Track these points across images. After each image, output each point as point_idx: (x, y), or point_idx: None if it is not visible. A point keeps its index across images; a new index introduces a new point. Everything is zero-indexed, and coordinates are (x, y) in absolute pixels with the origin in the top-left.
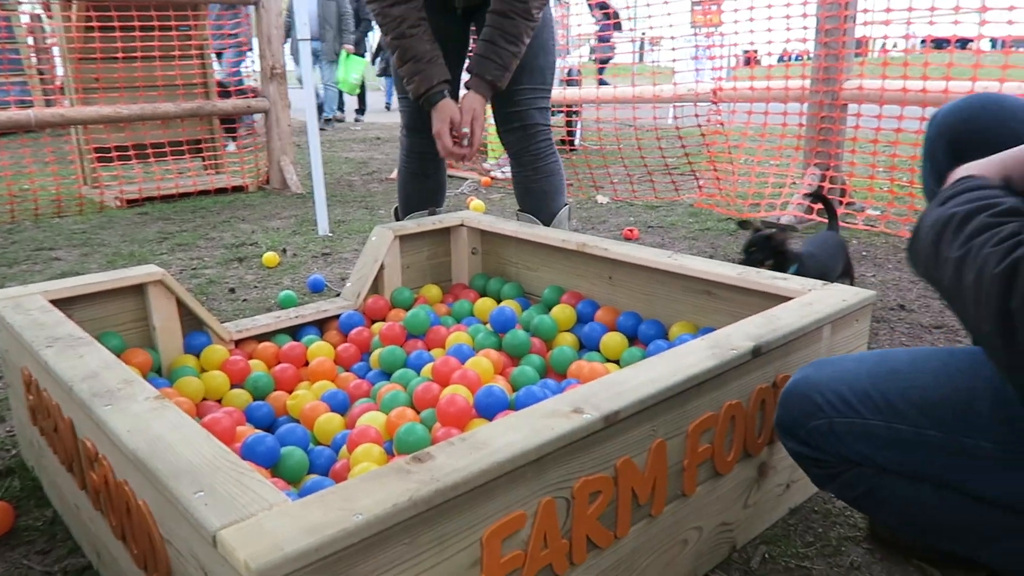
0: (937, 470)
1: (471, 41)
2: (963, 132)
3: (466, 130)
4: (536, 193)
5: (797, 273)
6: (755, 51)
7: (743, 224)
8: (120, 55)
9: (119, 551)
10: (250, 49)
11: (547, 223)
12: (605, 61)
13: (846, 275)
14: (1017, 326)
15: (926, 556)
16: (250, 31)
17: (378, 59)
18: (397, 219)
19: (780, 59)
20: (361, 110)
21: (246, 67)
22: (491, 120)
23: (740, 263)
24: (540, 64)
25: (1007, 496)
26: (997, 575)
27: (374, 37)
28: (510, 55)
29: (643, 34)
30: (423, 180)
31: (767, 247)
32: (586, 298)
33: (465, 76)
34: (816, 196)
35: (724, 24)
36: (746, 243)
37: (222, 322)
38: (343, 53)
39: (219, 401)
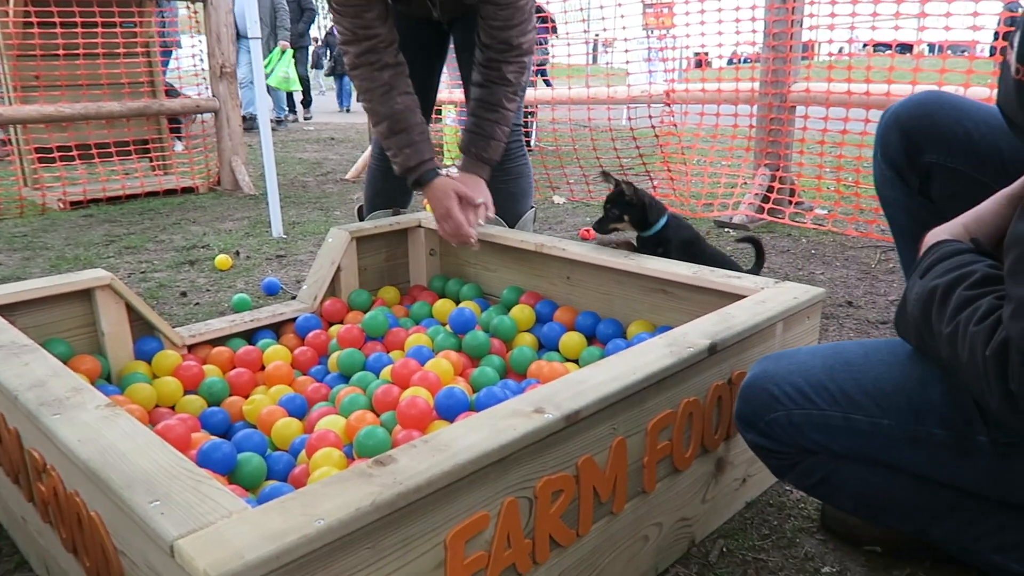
0: (892, 456)
1: (449, 50)
2: (918, 124)
3: (482, 200)
4: (503, 194)
5: (666, 226)
6: (706, 54)
7: (605, 176)
8: (61, 52)
9: (70, 564)
10: (178, 47)
11: (511, 225)
12: (542, 64)
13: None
14: (1020, 403)
15: (875, 540)
16: (177, 29)
17: (325, 57)
18: (361, 218)
19: (730, 62)
20: (306, 102)
21: (174, 67)
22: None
23: (596, 227)
24: None
25: (958, 480)
26: (940, 553)
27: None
28: (495, 126)
29: (596, 36)
30: (392, 179)
31: (623, 201)
32: (545, 298)
33: (442, 88)
34: (749, 239)
35: (676, 27)
36: (606, 200)
37: (174, 327)
38: (276, 50)
39: (172, 408)
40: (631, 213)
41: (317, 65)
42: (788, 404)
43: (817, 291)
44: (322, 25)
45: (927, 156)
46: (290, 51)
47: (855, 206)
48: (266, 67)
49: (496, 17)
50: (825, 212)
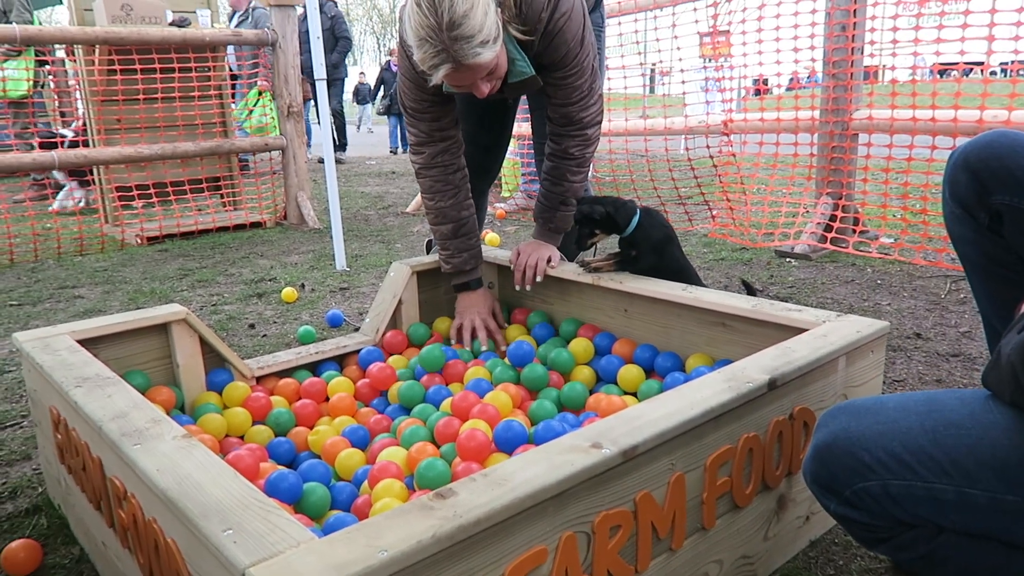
0: (1014, 534)
1: (517, 110)
2: (987, 166)
3: (545, 260)
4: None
5: (637, 227)
6: (765, 82)
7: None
8: (141, 96)
9: None
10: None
11: (571, 259)
12: None
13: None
14: None
15: None
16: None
17: (379, 95)
18: (428, 251)
19: (788, 88)
20: (342, 146)
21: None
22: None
23: (579, 247)
24: None
25: None
26: None
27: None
28: (560, 198)
29: (653, 66)
30: None
31: (588, 217)
32: (603, 331)
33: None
34: (744, 283)
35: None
36: (576, 217)
37: (243, 358)
38: (253, 91)
39: (241, 438)
40: (601, 225)
41: (362, 100)
42: (883, 473)
43: (881, 324)
44: (378, 58)
45: (996, 197)
46: (268, 94)
47: (923, 234)
48: (241, 112)
49: (556, 96)
50: (891, 241)
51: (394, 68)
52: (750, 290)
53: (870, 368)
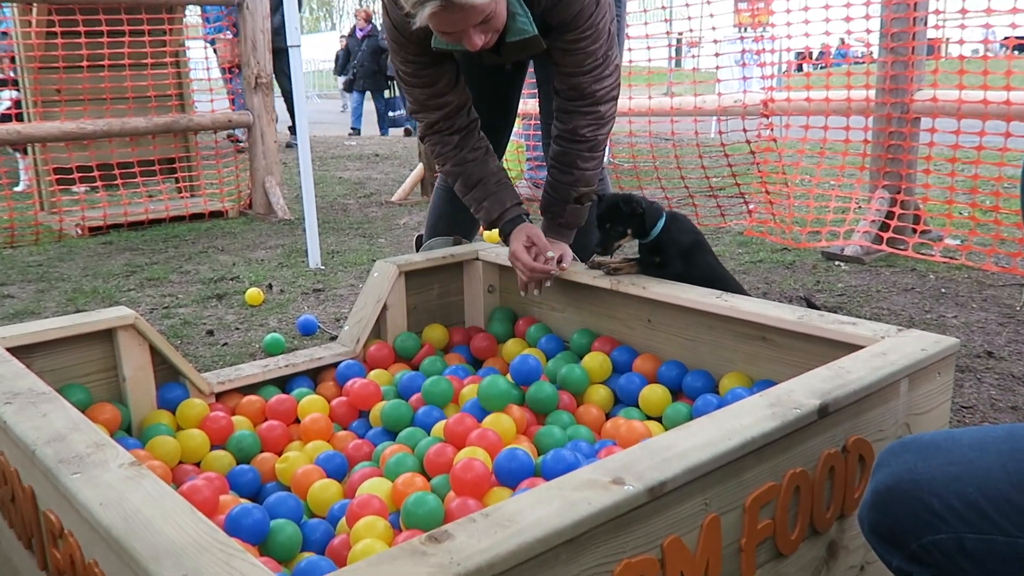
0: None
1: (528, 73)
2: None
3: (551, 254)
4: None
5: (664, 231)
6: (810, 56)
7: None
8: (85, 64)
9: None
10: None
11: (584, 259)
12: None
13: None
14: None
15: None
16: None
17: (345, 70)
18: (419, 248)
19: (839, 54)
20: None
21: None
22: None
23: (598, 251)
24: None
25: None
26: None
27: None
28: (571, 189)
29: (680, 36)
30: (459, 204)
31: (620, 214)
32: (622, 344)
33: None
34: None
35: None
36: (597, 218)
37: (200, 371)
38: None
39: (197, 464)
40: (633, 224)
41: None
42: (957, 524)
43: (950, 341)
44: (338, 24)
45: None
46: None
47: (995, 235)
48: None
49: (564, 62)
50: (957, 243)
51: (360, 33)
52: (810, 305)
53: (937, 392)
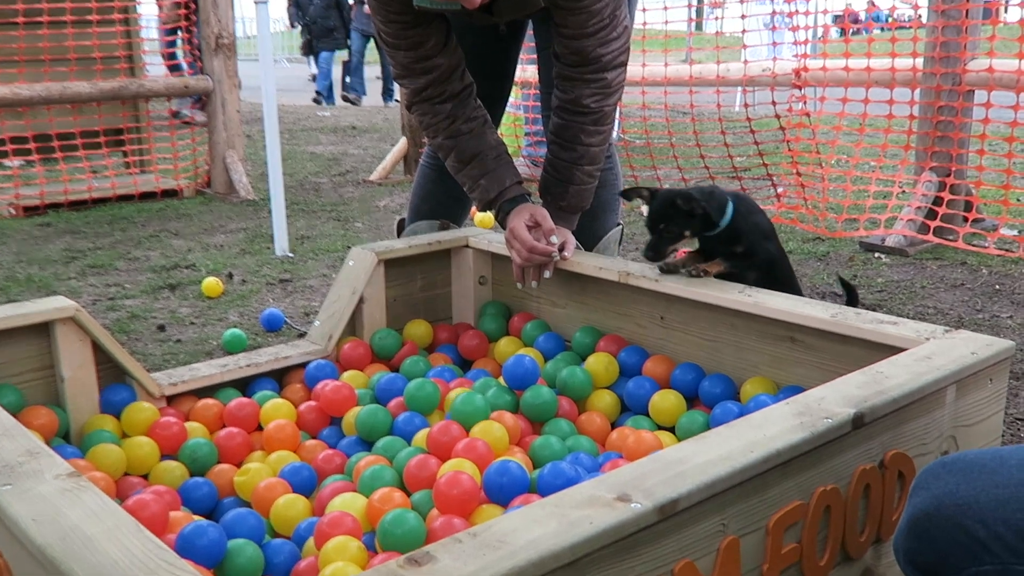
0: None
1: (520, 50)
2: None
3: (555, 239)
4: None
5: (735, 216)
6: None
7: (627, 194)
8: (20, 19)
9: None
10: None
11: (589, 248)
12: None
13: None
14: None
15: None
16: None
17: (297, 27)
18: (400, 233)
19: (841, 30)
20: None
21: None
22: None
23: (650, 256)
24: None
25: None
26: None
27: None
28: (573, 168)
29: None
30: (448, 183)
31: (677, 213)
32: (631, 344)
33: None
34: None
35: None
36: (649, 218)
37: (150, 371)
38: None
39: (145, 477)
40: (692, 225)
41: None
42: (1004, 555)
43: (1004, 344)
44: None
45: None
46: None
47: None
48: None
49: (566, 23)
50: (1015, 233)
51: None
52: (850, 294)
53: (988, 402)
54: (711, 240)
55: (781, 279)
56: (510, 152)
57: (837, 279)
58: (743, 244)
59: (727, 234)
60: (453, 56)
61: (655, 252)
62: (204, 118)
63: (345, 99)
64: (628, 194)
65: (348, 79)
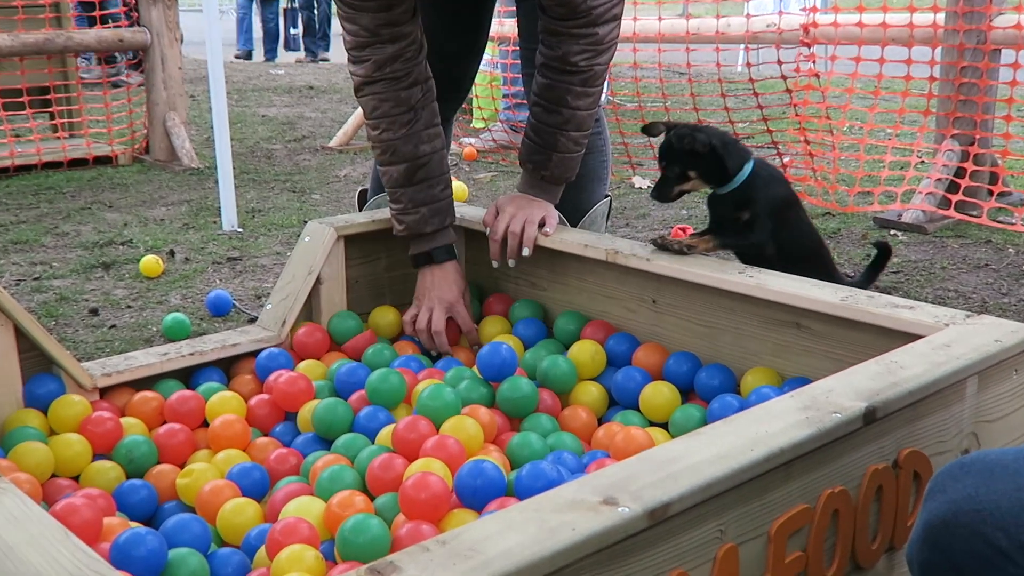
0: None
1: (494, 11)
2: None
3: (474, 343)
4: None
5: (753, 177)
6: None
7: (648, 129)
8: None
9: None
10: None
11: (573, 222)
12: None
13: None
14: None
15: None
16: None
17: None
18: (361, 207)
19: None
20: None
21: None
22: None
23: (654, 195)
24: None
25: None
26: None
27: None
28: (558, 133)
29: None
30: None
31: (684, 150)
32: (619, 331)
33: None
34: (878, 245)
35: None
36: (659, 153)
37: (80, 360)
38: None
39: (76, 479)
40: (698, 165)
41: None
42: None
43: None
44: None
45: None
46: None
47: None
48: None
49: None
50: None
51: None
52: (883, 253)
53: (1013, 395)
54: (721, 201)
55: (806, 262)
56: (487, 116)
57: (872, 244)
58: (750, 210)
59: (739, 195)
60: (420, 32)
61: (659, 192)
62: (140, 79)
63: (311, 59)
64: (648, 129)
65: (294, 31)
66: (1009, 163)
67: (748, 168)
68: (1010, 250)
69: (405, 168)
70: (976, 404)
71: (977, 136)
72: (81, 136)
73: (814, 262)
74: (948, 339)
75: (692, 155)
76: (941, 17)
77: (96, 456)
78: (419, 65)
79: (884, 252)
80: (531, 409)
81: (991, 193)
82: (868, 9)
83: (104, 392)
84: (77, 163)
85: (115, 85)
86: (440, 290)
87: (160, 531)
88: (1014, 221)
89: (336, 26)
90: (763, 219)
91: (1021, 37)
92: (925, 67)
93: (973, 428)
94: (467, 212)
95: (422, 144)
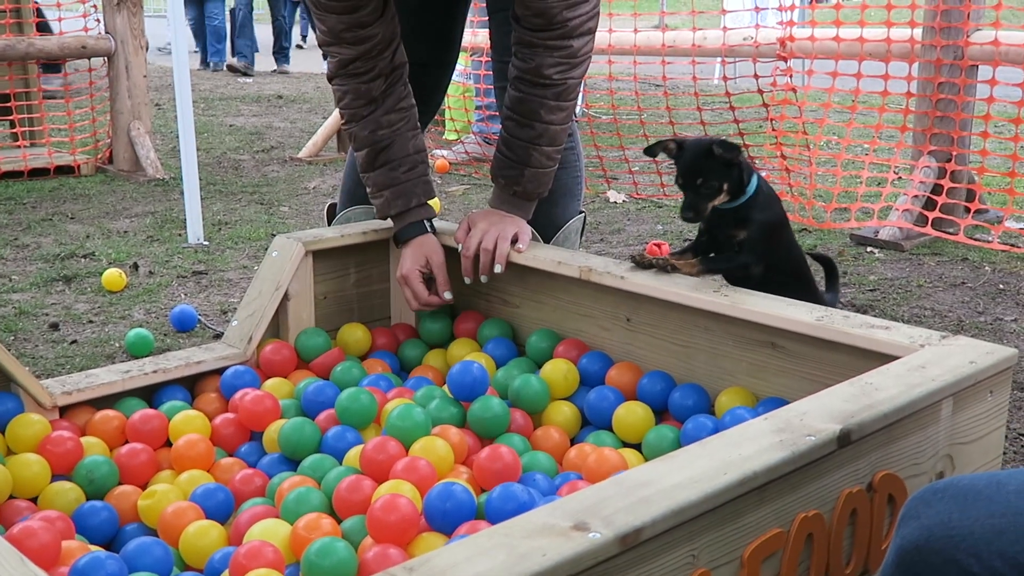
0: None
1: (468, 10)
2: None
3: (449, 295)
4: None
5: (756, 194)
6: None
7: (650, 150)
8: None
9: None
10: None
11: (547, 238)
12: None
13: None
14: None
15: None
16: None
17: None
18: (330, 220)
19: None
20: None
21: None
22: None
23: (689, 217)
24: None
25: None
26: None
27: None
28: (530, 147)
29: None
30: None
31: (715, 163)
32: (593, 350)
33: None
34: (820, 258)
35: None
36: (682, 170)
37: (40, 377)
38: None
39: (34, 500)
40: (730, 178)
41: None
42: None
43: (1007, 352)
44: None
45: None
46: None
47: None
48: None
49: None
50: (1021, 226)
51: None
52: (830, 272)
53: (988, 417)
54: (722, 216)
55: (791, 282)
56: (459, 128)
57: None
58: (747, 230)
59: (740, 213)
60: (389, 26)
61: (695, 212)
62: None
63: (231, 69)
64: (652, 149)
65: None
66: (985, 180)
67: (754, 183)
68: (987, 268)
69: (366, 153)
70: (951, 426)
71: (954, 152)
72: (42, 145)
73: (800, 282)
74: (923, 360)
75: (727, 166)
76: (918, 32)
77: (55, 477)
78: (383, 60)
79: (827, 266)
80: (503, 429)
81: (968, 210)
82: (845, 24)
83: (64, 410)
84: (38, 173)
85: (49, 96)
86: (407, 261)
87: (120, 555)
88: (991, 239)
89: (299, 37)
90: (757, 241)
91: (998, 53)
92: (902, 82)
93: (948, 450)
94: (439, 226)
95: (380, 129)
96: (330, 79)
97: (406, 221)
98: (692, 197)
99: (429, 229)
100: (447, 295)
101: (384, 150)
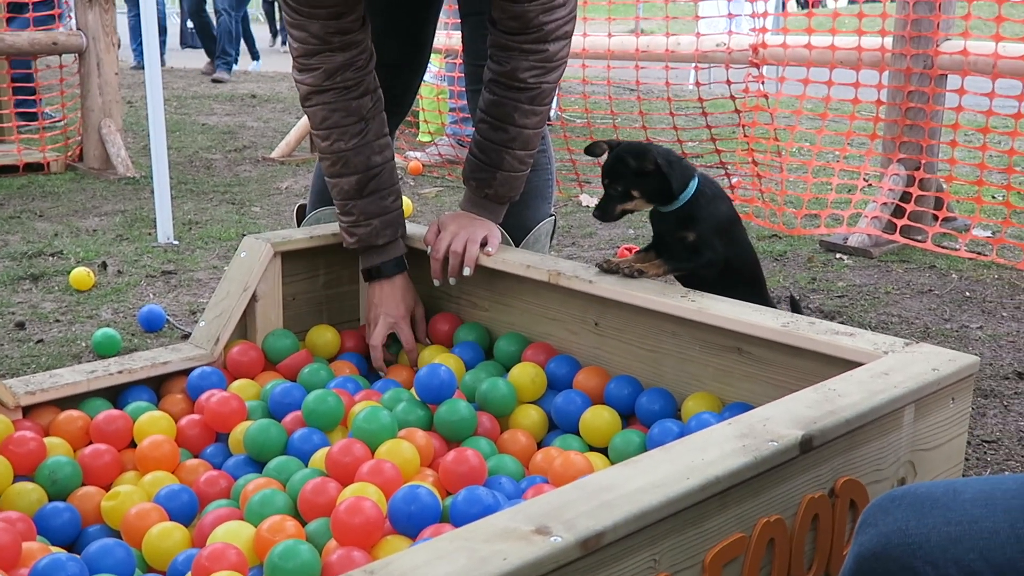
0: None
1: (440, 12)
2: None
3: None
4: None
5: (697, 195)
6: None
7: (590, 149)
8: None
9: None
10: None
11: (516, 241)
12: None
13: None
14: None
15: None
16: None
17: None
18: (300, 220)
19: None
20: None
21: None
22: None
23: (596, 215)
24: None
25: None
26: None
27: None
28: (503, 151)
29: None
30: None
31: (626, 170)
32: (560, 353)
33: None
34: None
35: None
36: (602, 172)
37: (4, 376)
38: None
39: None
40: (642, 184)
41: None
42: None
43: (968, 359)
44: None
45: None
46: None
47: None
48: None
49: None
50: (988, 234)
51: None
52: (795, 309)
53: (950, 423)
54: (664, 220)
55: (745, 281)
56: (432, 130)
57: (788, 297)
58: (695, 231)
59: (683, 214)
60: (370, 40)
61: (601, 212)
62: None
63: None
64: (591, 149)
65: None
66: (954, 188)
67: (693, 186)
68: (953, 276)
69: (357, 179)
70: (913, 432)
71: (923, 160)
72: (11, 142)
73: (752, 280)
74: (887, 367)
75: (636, 174)
76: (889, 41)
77: (17, 477)
78: (369, 74)
79: (794, 307)
80: (469, 432)
81: (935, 218)
82: (817, 32)
83: (27, 410)
84: (7, 170)
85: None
86: (387, 306)
87: (82, 557)
88: (958, 247)
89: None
90: (710, 238)
91: (967, 63)
92: (873, 91)
93: (910, 456)
94: (409, 229)
95: (374, 155)
96: (309, 96)
97: (390, 255)
98: (604, 199)
99: (406, 271)
100: (412, 346)
101: (375, 178)
